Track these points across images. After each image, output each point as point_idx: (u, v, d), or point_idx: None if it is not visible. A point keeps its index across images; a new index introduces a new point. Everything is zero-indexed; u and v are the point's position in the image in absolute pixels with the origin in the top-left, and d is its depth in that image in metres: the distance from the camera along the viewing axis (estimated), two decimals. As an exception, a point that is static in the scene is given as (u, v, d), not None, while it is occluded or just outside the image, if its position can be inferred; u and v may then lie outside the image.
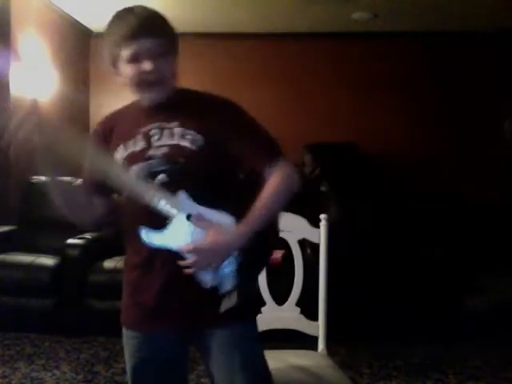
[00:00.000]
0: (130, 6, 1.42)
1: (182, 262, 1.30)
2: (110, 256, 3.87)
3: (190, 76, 6.22)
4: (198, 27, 5.80)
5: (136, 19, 1.35)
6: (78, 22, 5.74)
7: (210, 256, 1.29)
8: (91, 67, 6.17)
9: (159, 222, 1.31)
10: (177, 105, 1.42)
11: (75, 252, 3.67)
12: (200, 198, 1.33)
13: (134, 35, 1.34)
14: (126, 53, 1.36)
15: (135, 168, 1.38)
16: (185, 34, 6.23)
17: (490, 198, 5.64)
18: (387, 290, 3.68)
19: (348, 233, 3.61)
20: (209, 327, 1.40)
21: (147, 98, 1.42)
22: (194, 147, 1.37)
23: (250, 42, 5.92)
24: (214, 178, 1.37)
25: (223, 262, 1.31)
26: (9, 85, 4.45)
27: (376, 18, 5.45)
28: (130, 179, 1.36)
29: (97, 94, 6.18)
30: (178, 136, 1.38)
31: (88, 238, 3.81)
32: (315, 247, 2.15)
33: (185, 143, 1.37)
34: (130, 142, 1.42)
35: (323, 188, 4.57)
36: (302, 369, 1.95)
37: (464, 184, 5.68)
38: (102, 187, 1.46)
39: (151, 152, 1.39)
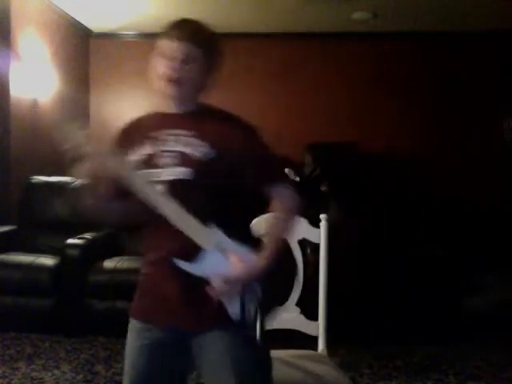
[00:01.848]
0: (187, 18, 1.60)
1: (209, 291, 1.38)
2: (110, 256, 3.87)
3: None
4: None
5: (182, 26, 1.52)
6: (78, 21, 5.74)
7: (236, 285, 1.38)
8: (91, 67, 6.17)
9: (190, 248, 1.38)
10: (198, 117, 1.49)
11: (75, 252, 3.66)
12: (226, 228, 1.40)
13: (172, 36, 1.46)
14: (160, 46, 1.47)
15: (151, 172, 1.44)
16: (185, 34, 6.25)
17: (490, 198, 5.64)
18: (387, 290, 3.68)
19: (348, 233, 3.61)
20: (207, 328, 1.44)
21: (165, 92, 1.47)
22: (204, 159, 1.42)
23: (250, 42, 5.92)
24: (218, 191, 1.43)
25: (245, 289, 1.40)
26: (9, 85, 4.45)
27: (376, 18, 5.44)
28: (158, 196, 1.40)
29: (97, 94, 6.18)
30: (192, 146, 1.44)
31: (88, 238, 3.81)
32: (315, 247, 2.15)
33: (197, 153, 1.43)
34: (146, 146, 1.47)
35: (323, 188, 4.57)
36: (301, 369, 1.95)
37: (464, 184, 5.68)
38: (123, 191, 1.47)
39: (162, 159, 1.44)
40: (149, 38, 6.18)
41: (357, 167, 5.33)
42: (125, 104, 6.16)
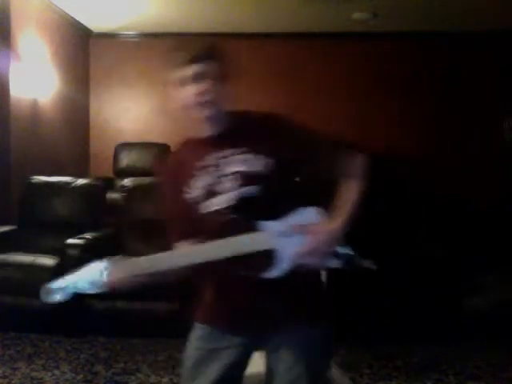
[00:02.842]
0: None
1: (305, 266, 1.37)
2: (110, 256, 3.86)
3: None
4: (198, 27, 5.80)
5: (190, 53, 1.45)
6: (78, 21, 5.75)
7: (319, 246, 1.36)
8: (91, 67, 6.17)
9: (265, 259, 1.36)
10: (237, 131, 1.45)
11: (75, 252, 3.66)
12: (277, 214, 1.38)
13: (186, 62, 1.42)
14: (177, 76, 1.43)
15: (214, 201, 1.40)
16: (185, 34, 6.28)
17: (490, 198, 5.64)
18: (387, 290, 3.68)
19: (348, 233, 3.60)
20: (284, 330, 1.43)
21: (198, 115, 1.44)
22: (266, 171, 1.40)
23: (250, 42, 5.92)
24: (285, 194, 1.44)
25: (334, 246, 1.40)
26: (9, 85, 4.45)
27: (376, 18, 5.45)
28: (208, 250, 1.38)
29: (97, 94, 6.18)
30: (248, 162, 1.41)
31: (88, 238, 3.81)
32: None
33: (257, 168, 1.40)
34: (201, 177, 1.43)
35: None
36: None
37: (464, 184, 5.68)
38: (187, 231, 1.47)
39: (221, 184, 1.41)
40: (149, 37, 6.19)
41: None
42: (125, 104, 6.17)
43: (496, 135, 5.93)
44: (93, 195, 4.35)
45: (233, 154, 1.42)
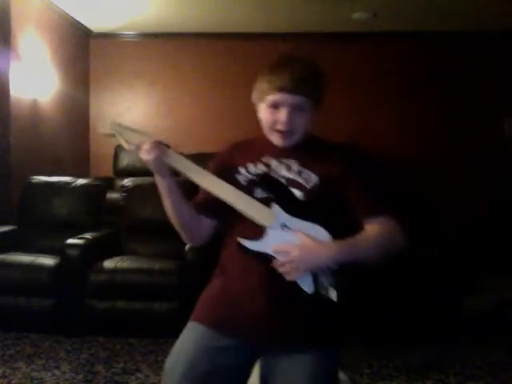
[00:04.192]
0: (292, 56, 1.54)
1: (274, 263, 1.38)
2: (109, 256, 3.87)
3: (191, 76, 6.25)
4: (198, 27, 5.80)
5: (291, 75, 1.44)
6: (78, 21, 5.75)
7: (300, 258, 1.36)
8: (91, 67, 6.17)
9: (256, 231, 1.40)
10: (302, 148, 1.51)
11: (75, 252, 3.66)
12: (294, 211, 1.42)
13: (282, 88, 1.44)
14: (269, 98, 1.47)
15: (257, 191, 1.46)
16: (185, 34, 6.27)
17: (490, 198, 5.64)
18: (387, 291, 3.68)
19: (347, 233, 3.61)
20: (286, 346, 1.43)
21: (275, 142, 1.51)
22: (307, 186, 1.44)
23: (250, 42, 5.92)
24: (320, 215, 1.43)
25: (313, 268, 1.38)
26: (9, 85, 4.46)
27: (376, 18, 5.45)
28: (232, 191, 1.43)
29: (97, 94, 6.19)
30: (294, 172, 1.47)
31: (88, 238, 3.81)
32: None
33: (299, 180, 1.45)
34: (252, 165, 1.51)
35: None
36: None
37: (464, 184, 5.68)
38: (215, 208, 1.50)
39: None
40: (149, 37, 6.19)
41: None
42: (124, 104, 6.17)
43: (496, 135, 5.93)
44: (93, 195, 4.34)
45: (291, 164, 1.48)
